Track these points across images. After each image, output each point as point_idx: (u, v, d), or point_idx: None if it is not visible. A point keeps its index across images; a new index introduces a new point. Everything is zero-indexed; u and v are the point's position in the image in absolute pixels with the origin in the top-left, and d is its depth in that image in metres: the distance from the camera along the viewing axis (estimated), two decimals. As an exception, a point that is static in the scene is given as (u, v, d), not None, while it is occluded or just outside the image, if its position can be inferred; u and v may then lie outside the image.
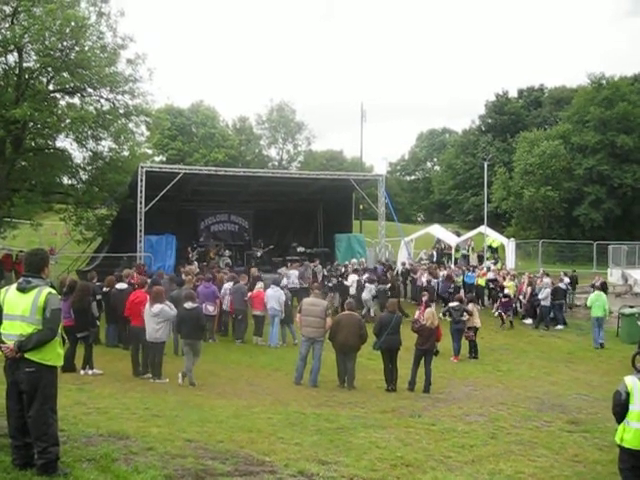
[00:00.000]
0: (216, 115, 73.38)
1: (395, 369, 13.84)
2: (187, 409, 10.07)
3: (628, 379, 6.79)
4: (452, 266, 29.09)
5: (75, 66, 23.42)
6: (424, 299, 19.30)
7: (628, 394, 6.65)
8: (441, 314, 19.39)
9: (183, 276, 18.96)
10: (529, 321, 24.16)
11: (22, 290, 5.84)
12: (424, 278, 24.97)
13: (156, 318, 12.74)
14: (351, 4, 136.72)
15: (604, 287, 24.76)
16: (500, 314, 23.15)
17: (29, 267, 6.01)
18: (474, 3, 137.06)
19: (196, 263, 24.54)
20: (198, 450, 7.24)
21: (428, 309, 15.18)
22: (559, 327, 23.51)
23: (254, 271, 22.37)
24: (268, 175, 30.05)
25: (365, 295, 22.75)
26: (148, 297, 13.30)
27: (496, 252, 34.29)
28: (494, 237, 34.87)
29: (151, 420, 8.83)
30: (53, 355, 5.87)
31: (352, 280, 23.30)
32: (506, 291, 23.79)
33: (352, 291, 22.63)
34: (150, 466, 6.26)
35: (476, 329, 18.43)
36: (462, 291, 24.31)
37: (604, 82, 50.99)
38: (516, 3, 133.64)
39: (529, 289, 24.33)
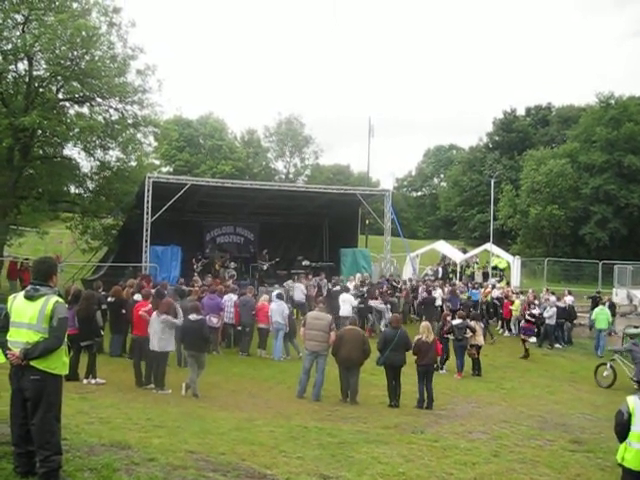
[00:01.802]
0: (224, 127, 73.68)
1: (398, 385, 13.78)
2: (189, 420, 10.05)
3: (630, 399, 6.72)
4: (457, 282, 29.08)
5: (85, 75, 23.61)
6: (449, 319, 18.88)
7: (630, 414, 6.60)
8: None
9: (192, 287, 19.00)
10: (533, 339, 24.07)
11: (30, 298, 5.84)
12: (437, 293, 24.86)
13: (162, 326, 12.76)
14: (361, 19, 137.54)
15: (612, 307, 24.84)
16: (523, 340, 21.87)
17: (37, 275, 6.03)
18: (483, 21, 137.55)
19: (196, 274, 24.50)
20: (199, 462, 7.21)
21: (423, 323, 15.09)
22: (557, 346, 23.47)
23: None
24: (275, 188, 30.02)
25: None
26: (151, 307, 13.38)
27: (502, 270, 34.27)
28: (500, 257, 34.85)
29: (153, 431, 8.81)
30: (58, 364, 5.87)
31: (343, 299, 21.63)
32: (534, 311, 22.69)
33: (343, 312, 20.88)
34: (152, 477, 6.26)
35: (479, 347, 18.35)
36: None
37: (613, 102, 51.10)
38: (525, 21, 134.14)
39: (535, 307, 24.24)
